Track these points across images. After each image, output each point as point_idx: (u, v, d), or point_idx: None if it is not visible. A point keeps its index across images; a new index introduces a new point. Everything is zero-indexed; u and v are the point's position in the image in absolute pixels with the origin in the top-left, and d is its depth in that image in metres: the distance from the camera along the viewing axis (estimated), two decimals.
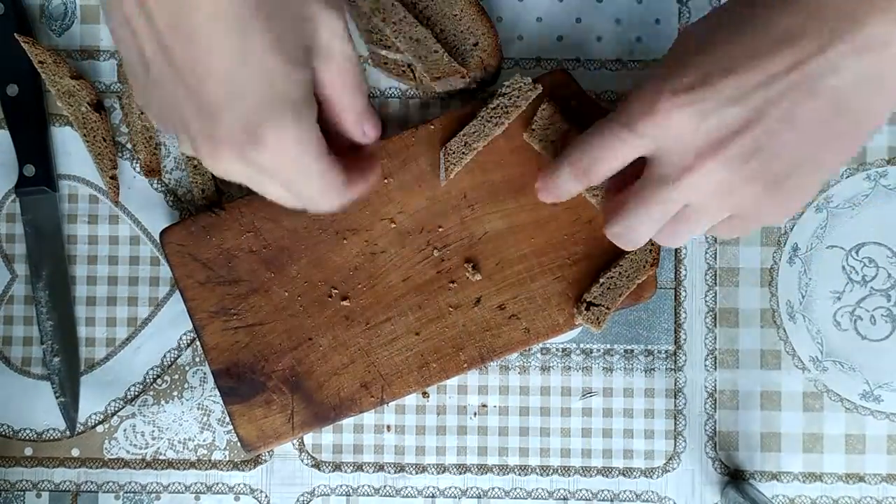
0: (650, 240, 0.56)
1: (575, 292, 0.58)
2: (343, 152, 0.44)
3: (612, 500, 0.60)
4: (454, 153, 0.56)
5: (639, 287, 0.57)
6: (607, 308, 0.56)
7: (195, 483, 0.60)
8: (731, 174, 0.43)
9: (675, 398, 0.60)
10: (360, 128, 0.44)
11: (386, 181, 0.58)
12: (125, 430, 0.61)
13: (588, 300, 0.56)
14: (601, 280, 0.56)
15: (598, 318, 0.56)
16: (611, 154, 0.46)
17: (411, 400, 0.60)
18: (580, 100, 0.58)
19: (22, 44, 0.59)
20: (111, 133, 0.61)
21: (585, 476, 0.60)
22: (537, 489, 0.60)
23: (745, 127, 0.42)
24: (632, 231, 0.48)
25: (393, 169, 0.58)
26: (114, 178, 0.60)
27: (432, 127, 0.58)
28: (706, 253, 0.61)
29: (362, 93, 0.43)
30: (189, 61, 0.38)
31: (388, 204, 0.58)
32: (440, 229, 0.58)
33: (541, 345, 0.60)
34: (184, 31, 0.37)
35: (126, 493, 0.60)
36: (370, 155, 0.46)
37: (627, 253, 0.57)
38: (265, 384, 0.57)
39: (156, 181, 0.61)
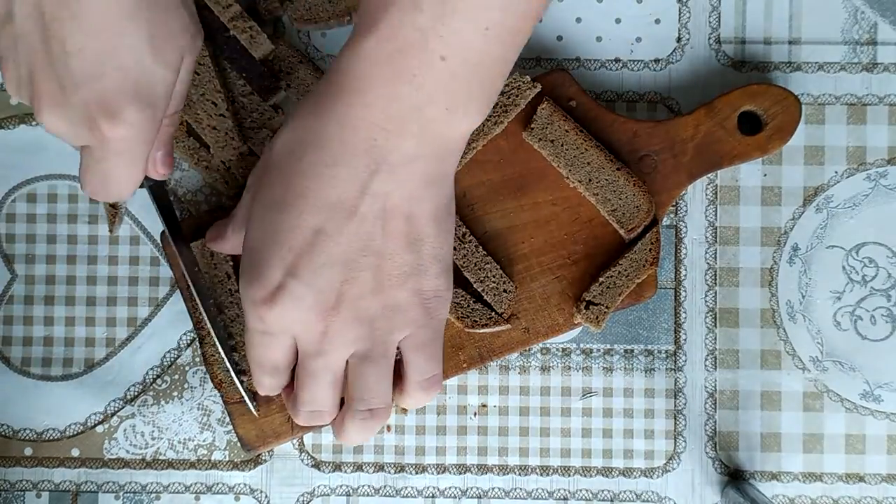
0: (650, 239, 0.56)
1: (575, 292, 0.58)
2: None
3: (612, 501, 0.60)
4: None
5: (639, 287, 0.57)
6: (607, 307, 0.56)
7: (195, 483, 0.60)
8: (357, 323, 0.44)
9: (675, 398, 0.60)
10: (152, 158, 0.49)
11: None
12: (125, 430, 0.61)
13: (588, 299, 0.56)
14: (601, 279, 0.56)
15: (597, 318, 0.56)
16: (262, 355, 0.47)
17: None
18: (580, 100, 0.58)
19: None
20: None
21: (585, 476, 0.60)
22: (537, 489, 0.60)
23: (343, 281, 0.42)
24: (314, 403, 0.47)
25: None
26: None
27: None
28: (706, 253, 0.61)
29: (166, 128, 0.48)
30: (61, 33, 0.40)
31: None
32: None
33: (541, 344, 0.60)
34: (68, 6, 0.39)
35: (126, 493, 0.60)
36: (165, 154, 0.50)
37: (628, 252, 0.57)
38: None
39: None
